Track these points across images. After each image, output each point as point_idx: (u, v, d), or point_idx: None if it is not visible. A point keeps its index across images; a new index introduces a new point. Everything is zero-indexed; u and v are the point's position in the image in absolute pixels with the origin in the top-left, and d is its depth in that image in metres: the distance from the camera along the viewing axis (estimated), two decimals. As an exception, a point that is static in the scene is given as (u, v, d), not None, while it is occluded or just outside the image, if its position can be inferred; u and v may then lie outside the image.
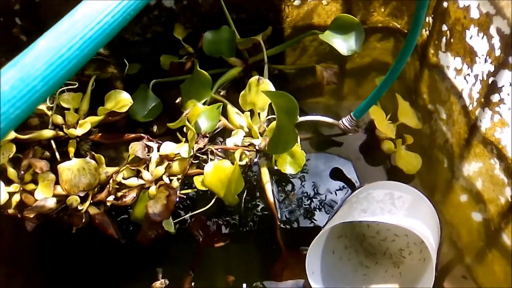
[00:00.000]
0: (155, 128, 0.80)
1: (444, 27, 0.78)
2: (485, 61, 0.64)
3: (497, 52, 0.60)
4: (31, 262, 0.74)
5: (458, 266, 0.71)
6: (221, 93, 0.83)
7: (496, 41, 0.60)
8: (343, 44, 0.73)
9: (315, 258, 0.61)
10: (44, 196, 0.68)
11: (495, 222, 0.65)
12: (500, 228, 0.64)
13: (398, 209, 0.59)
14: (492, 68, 0.62)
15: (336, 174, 0.78)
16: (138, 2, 0.26)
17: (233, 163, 0.69)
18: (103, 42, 0.24)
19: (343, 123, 0.73)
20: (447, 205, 0.75)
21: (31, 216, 0.67)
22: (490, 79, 0.62)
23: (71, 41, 0.23)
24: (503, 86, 0.59)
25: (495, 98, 0.61)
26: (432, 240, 0.57)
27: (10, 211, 0.68)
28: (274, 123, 0.72)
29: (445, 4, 0.77)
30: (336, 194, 0.76)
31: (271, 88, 0.72)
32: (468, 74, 0.71)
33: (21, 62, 0.22)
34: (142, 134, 0.76)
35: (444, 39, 0.78)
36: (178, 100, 0.81)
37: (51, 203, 0.68)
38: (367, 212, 0.57)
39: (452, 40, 0.76)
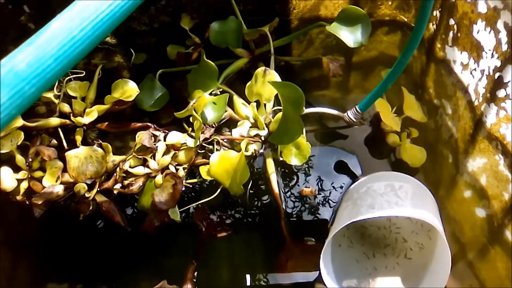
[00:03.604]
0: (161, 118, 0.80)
1: (452, 21, 0.78)
2: (492, 56, 0.63)
3: (504, 47, 0.60)
4: (37, 249, 0.75)
5: (461, 262, 0.72)
6: (227, 84, 0.83)
7: (503, 36, 0.60)
8: (350, 36, 0.73)
9: (327, 259, 0.61)
10: (52, 183, 0.69)
11: (499, 218, 0.65)
12: (504, 224, 0.64)
13: (403, 200, 0.59)
14: (498, 63, 0.62)
15: (340, 166, 0.78)
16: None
17: (238, 153, 0.69)
18: (114, 24, 0.24)
19: (348, 116, 0.74)
20: (451, 200, 0.75)
21: (39, 202, 0.67)
22: (497, 74, 0.62)
23: (83, 22, 0.23)
24: (509, 81, 0.59)
25: (501, 93, 0.61)
26: (441, 226, 0.58)
27: (18, 197, 0.69)
28: (280, 114, 0.72)
29: (453, -2, 0.76)
30: (340, 187, 0.76)
31: (277, 79, 0.73)
32: (475, 69, 0.71)
33: (36, 42, 0.22)
34: (148, 123, 0.76)
35: (451, 34, 0.78)
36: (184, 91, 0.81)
37: (58, 190, 0.69)
38: (375, 208, 0.57)
39: (459, 34, 0.76)
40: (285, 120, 0.63)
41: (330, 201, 0.75)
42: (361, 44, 0.73)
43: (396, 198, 0.60)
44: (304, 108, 0.60)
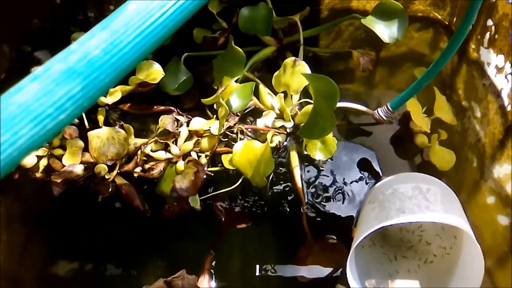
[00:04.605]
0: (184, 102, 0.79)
1: (489, 22, 0.75)
2: (532, 61, 0.61)
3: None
4: (52, 226, 0.74)
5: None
6: (253, 72, 0.81)
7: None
8: (386, 31, 0.71)
9: (352, 261, 0.60)
10: (71, 162, 0.68)
11: (522, 228, 0.64)
12: (527, 235, 0.63)
13: (433, 204, 0.58)
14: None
15: (364, 164, 0.77)
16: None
17: (263, 144, 0.68)
18: (196, 8, 0.22)
19: (378, 113, 0.72)
20: (472, 206, 0.73)
21: (58, 181, 0.66)
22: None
23: (164, 6, 0.21)
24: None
25: (538, 101, 0.60)
26: (472, 232, 0.57)
27: (38, 174, 0.68)
28: (308, 107, 0.71)
29: (493, -2, 0.74)
30: (365, 184, 0.75)
31: (307, 70, 0.71)
32: (510, 73, 0.69)
33: (112, 25, 0.20)
34: (171, 107, 0.75)
35: (487, 35, 0.76)
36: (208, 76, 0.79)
37: (78, 169, 0.68)
38: (405, 212, 0.56)
39: (496, 36, 0.73)
40: (316, 114, 0.61)
41: (353, 199, 0.74)
42: (396, 40, 0.71)
43: (426, 202, 0.58)
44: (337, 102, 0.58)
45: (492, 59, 0.74)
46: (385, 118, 0.71)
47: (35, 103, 0.18)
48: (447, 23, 0.89)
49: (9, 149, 0.18)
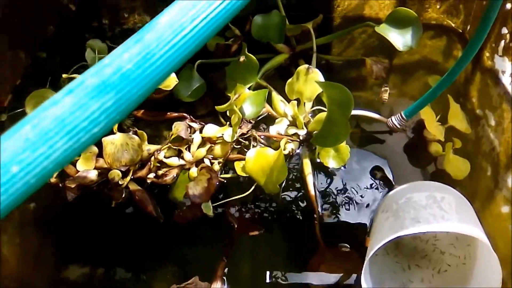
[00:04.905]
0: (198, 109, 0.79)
1: (504, 30, 0.75)
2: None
3: None
4: (65, 231, 0.75)
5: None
6: (266, 79, 0.81)
7: None
8: (399, 39, 0.71)
9: (366, 271, 0.59)
10: (86, 168, 0.68)
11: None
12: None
13: (448, 213, 0.57)
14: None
15: (377, 172, 0.76)
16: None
17: (276, 151, 0.68)
18: (227, 20, 0.22)
19: (392, 122, 0.72)
20: (486, 215, 0.73)
21: (72, 186, 0.67)
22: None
23: (195, 19, 0.21)
24: None
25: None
26: (488, 242, 0.56)
27: (52, 179, 0.68)
28: (321, 115, 0.71)
29: (508, 6, 0.73)
30: (378, 192, 0.74)
31: (321, 78, 0.71)
32: (525, 82, 0.69)
33: (144, 39, 0.20)
34: (185, 114, 0.75)
35: (502, 43, 0.75)
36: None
37: (92, 175, 0.68)
38: (420, 222, 0.56)
39: (511, 44, 0.73)
40: (329, 122, 0.61)
41: (366, 208, 0.73)
42: (410, 48, 0.71)
43: (440, 211, 0.58)
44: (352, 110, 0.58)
45: (507, 67, 0.74)
46: (398, 126, 0.71)
47: (70, 116, 0.19)
48: (461, 31, 0.89)
49: (45, 162, 0.18)
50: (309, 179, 0.71)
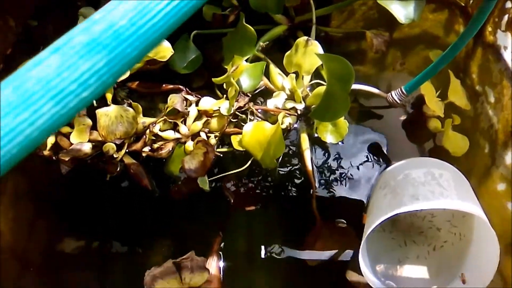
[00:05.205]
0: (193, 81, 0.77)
1: (508, 4, 0.73)
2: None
3: None
4: (59, 203, 0.74)
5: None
6: (263, 52, 0.79)
7: None
8: (402, 11, 0.69)
9: (364, 249, 0.59)
10: (79, 141, 0.67)
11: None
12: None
13: (447, 190, 0.57)
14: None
15: (374, 148, 0.76)
16: None
17: (273, 125, 0.66)
18: None
19: (392, 96, 0.70)
20: (482, 192, 0.73)
21: (66, 159, 0.66)
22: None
23: None
24: None
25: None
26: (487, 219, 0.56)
27: (45, 152, 0.67)
28: (320, 89, 0.69)
29: (514, -22, 0.71)
30: (376, 168, 0.74)
31: (320, 50, 0.69)
32: (528, 58, 0.67)
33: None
34: (180, 86, 0.73)
35: (505, 17, 0.74)
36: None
37: (87, 148, 0.67)
38: (419, 199, 0.55)
39: (515, 19, 0.71)
40: (329, 96, 0.60)
41: (363, 183, 0.73)
42: (412, 21, 0.69)
43: (439, 188, 0.57)
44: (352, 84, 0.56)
45: (509, 43, 0.72)
46: (398, 102, 0.70)
47: (56, 78, 0.17)
48: (463, 4, 0.86)
49: (28, 129, 0.16)
50: (307, 154, 0.70)
